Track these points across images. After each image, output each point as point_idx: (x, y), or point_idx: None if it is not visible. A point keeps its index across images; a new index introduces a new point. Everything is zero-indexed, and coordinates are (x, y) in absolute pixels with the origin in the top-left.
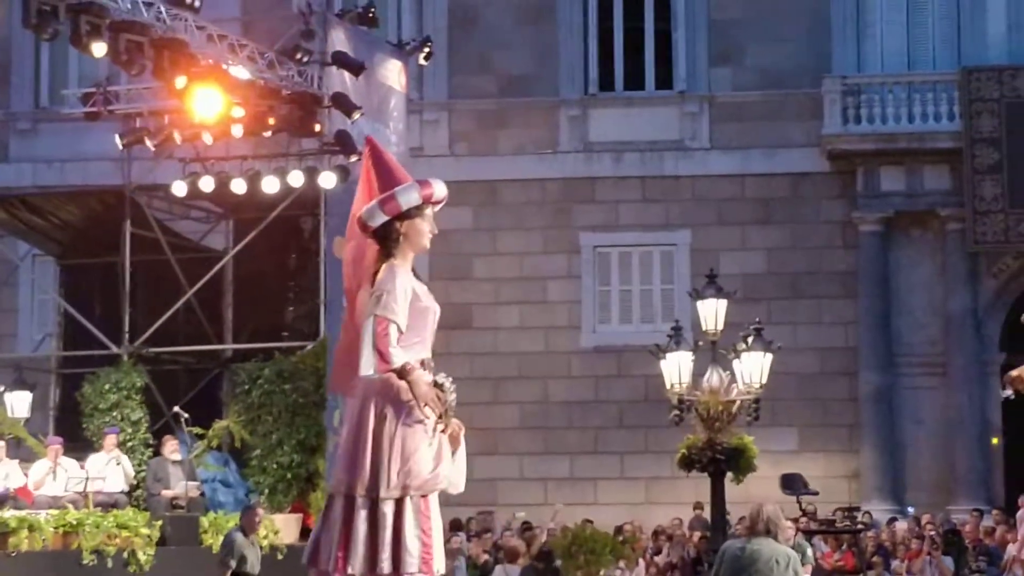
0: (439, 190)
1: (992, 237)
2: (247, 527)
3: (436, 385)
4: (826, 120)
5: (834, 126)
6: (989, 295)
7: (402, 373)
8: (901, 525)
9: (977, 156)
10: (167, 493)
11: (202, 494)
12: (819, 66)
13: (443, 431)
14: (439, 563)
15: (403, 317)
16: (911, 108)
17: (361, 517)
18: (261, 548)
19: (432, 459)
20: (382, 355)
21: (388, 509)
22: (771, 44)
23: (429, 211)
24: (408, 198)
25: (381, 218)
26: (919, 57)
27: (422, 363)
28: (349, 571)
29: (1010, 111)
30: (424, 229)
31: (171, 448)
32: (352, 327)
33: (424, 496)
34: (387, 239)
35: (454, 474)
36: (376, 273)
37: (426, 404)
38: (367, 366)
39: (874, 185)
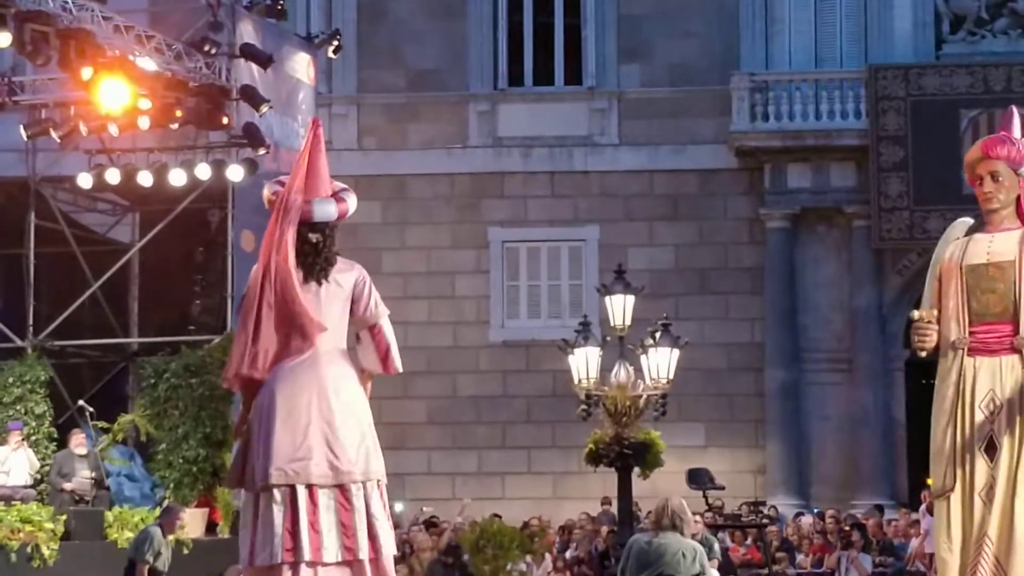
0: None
1: (897, 234)
2: (166, 527)
3: None
4: (734, 117)
5: (742, 123)
6: (894, 292)
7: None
8: (806, 520)
9: (883, 154)
10: (67, 486)
11: (107, 487)
12: (727, 63)
13: None
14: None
15: None
16: (818, 105)
17: (327, 502)
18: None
19: None
20: (391, 355)
21: (359, 493)
22: (679, 40)
23: None
24: (351, 207)
25: (332, 216)
26: (826, 55)
27: None
28: (307, 558)
29: (916, 109)
30: None
31: (77, 442)
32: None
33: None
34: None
35: None
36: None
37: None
38: (399, 363)
39: (781, 182)
